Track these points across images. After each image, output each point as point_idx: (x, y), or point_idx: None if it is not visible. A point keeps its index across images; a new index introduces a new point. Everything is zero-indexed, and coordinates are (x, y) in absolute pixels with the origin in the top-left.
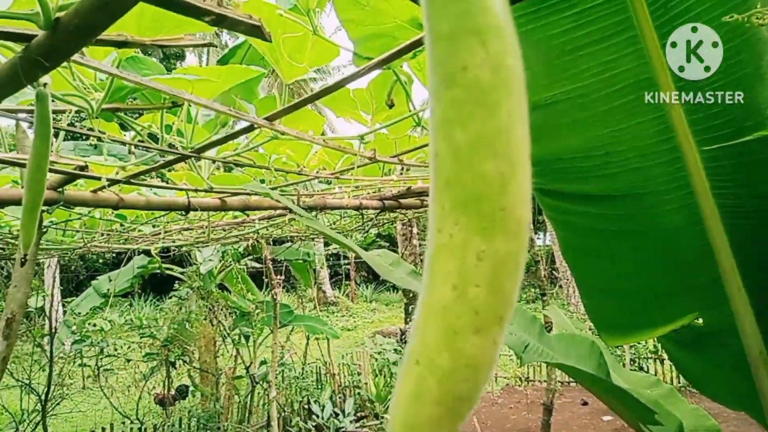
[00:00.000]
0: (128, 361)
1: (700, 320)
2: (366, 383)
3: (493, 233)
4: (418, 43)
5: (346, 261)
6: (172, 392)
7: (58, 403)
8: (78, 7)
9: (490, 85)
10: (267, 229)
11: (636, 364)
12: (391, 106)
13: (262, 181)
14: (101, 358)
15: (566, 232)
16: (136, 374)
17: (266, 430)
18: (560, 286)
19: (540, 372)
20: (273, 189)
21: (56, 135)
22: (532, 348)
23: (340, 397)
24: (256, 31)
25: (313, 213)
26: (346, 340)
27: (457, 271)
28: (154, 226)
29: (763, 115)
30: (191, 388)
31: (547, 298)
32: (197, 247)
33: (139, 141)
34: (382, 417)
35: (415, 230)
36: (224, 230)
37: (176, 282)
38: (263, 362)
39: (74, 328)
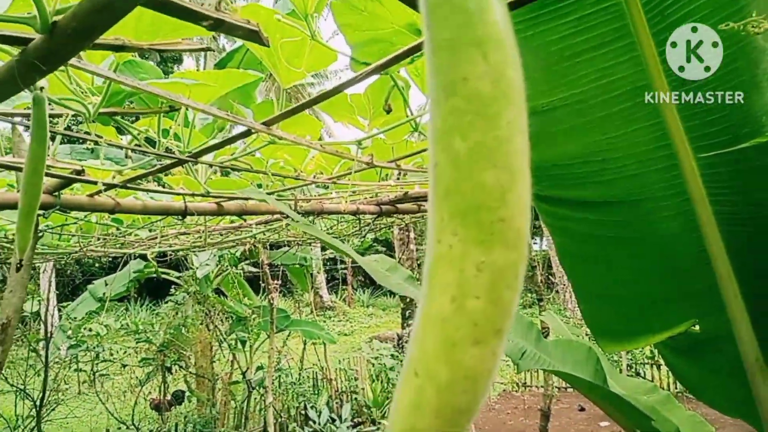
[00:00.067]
0: (124, 366)
1: (697, 327)
2: (363, 388)
3: (492, 244)
4: (416, 49)
5: (343, 265)
6: (168, 397)
7: (53, 409)
8: (75, 10)
9: (491, 96)
10: (264, 234)
11: (633, 370)
12: (388, 111)
13: (260, 186)
14: (97, 363)
15: (563, 238)
16: (131, 379)
17: None
18: (557, 292)
19: (537, 377)
20: (270, 194)
21: (53, 138)
22: (529, 354)
23: (337, 403)
24: (253, 35)
25: (310, 218)
26: (343, 345)
27: (456, 282)
28: (150, 231)
29: (759, 122)
30: (187, 394)
31: (544, 303)
32: (194, 252)
33: (136, 145)
34: (379, 423)
35: (412, 235)
36: (221, 235)
37: (173, 286)
38: (260, 367)
39: (70, 332)
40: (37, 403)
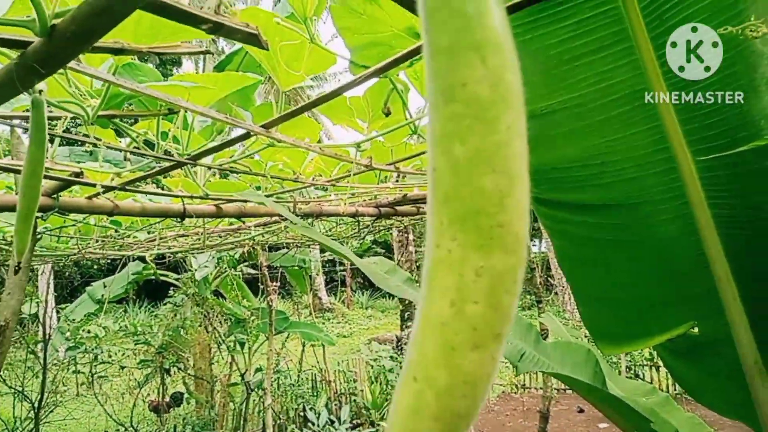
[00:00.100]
0: (122, 368)
1: (696, 329)
2: (362, 390)
3: (491, 249)
4: (415, 52)
5: (342, 267)
6: (167, 399)
7: (51, 411)
8: (75, 14)
9: (489, 100)
10: (263, 236)
11: (632, 371)
12: (387, 114)
13: (258, 188)
14: (95, 365)
15: (562, 241)
16: (130, 381)
17: None
18: (556, 293)
19: (536, 379)
20: (269, 196)
21: (51, 141)
22: (528, 356)
23: (335, 405)
24: (253, 39)
25: (309, 220)
26: (341, 347)
27: (455, 287)
28: (149, 233)
29: (757, 126)
30: (186, 396)
31: (543, 305)
32: (192, 254)
33: (135, 148)
34: (378, 424)
35: (411, 237)
36: (220, 237)
37: (171, 288)
38: (258, 369)
39: (68, 334)
40: (36, 405)
